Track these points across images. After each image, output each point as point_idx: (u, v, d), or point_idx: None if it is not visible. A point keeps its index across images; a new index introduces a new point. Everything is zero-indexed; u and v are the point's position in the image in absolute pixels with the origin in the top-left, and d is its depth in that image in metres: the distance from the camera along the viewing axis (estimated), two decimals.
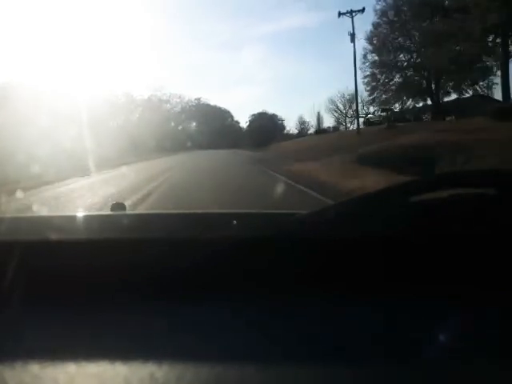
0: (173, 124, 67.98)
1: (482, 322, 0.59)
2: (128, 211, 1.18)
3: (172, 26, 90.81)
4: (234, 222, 0.74)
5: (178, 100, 70.30)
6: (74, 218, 0.85)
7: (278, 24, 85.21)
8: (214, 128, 77.31)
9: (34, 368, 0.52)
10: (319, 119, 68.60)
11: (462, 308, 0.62)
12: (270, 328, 0.60)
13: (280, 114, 79.97)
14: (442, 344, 0.54)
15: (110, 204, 1.13)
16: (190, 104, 75.36)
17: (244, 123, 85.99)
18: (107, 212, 1.18)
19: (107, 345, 0.57)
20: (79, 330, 0.60)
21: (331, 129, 59.34)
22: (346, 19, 27.01)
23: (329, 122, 77.84)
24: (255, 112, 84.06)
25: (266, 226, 0.74)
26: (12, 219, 0.90)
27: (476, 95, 30.35)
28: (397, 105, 32.01)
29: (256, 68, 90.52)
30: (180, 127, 71.29)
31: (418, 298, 0.64)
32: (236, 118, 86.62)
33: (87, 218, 0.87)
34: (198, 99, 76.54)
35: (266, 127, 69.26)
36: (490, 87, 30.64)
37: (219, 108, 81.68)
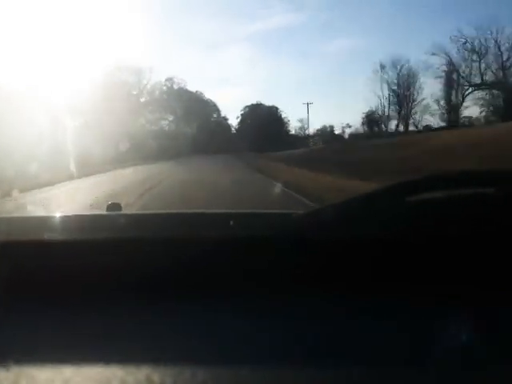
0: (138, 119, 45.78)
1: (482, 322, 0.59)
2: (124, 211, 1.17)
3: (154, 23, 76.16)
4: (231, 222, 0.75)
5: (136, 80, 47.37)
6: (69, 218, 0.87)
7: (263, 24, 74.74)
8: (193, 125, 55.57)
9: (30, 370, 0.52)
10: (451, 100, 36.15)
11: (462, 308, 0.62)
12: (269, 328, 0.60)
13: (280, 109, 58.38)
14: (442, 344, 0.54)
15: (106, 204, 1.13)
16: (161, 89, 52.89)
17: (234, 119, 64.61)
18: (103, 212, 1.15)
19: (104, 346, 0.57)
20: (75, 331, 0.60)
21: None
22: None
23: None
24: (248, 103, 63.61)
25: (262, 225, 0.75)
26: (6, 219, 0.91)
27: None
28: None
29: (243, 68, 78.89)
30: (147, 125, 49.20)
31: (417, 298, 0.64)
32: (224, 114, 65.65)
33: (83, 218, 0.89)
34: (171, 80, 54.79)
35: (267, 123, 48.20)
36: None
37: (201, 96, 60.34)
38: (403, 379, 0.49)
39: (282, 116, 57.16)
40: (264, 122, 48.38)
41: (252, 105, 62.48)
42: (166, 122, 55.48)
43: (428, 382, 0.49)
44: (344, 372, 0.50)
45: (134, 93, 44.28)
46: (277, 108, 57.45)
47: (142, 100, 46.71)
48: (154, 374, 0.50)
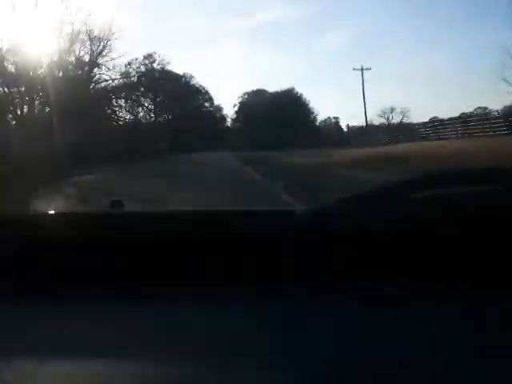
0: (107, 110, 34.31)
1: (483, 321, 0.59)
2: (127, 209, 1.15)
3: (145, 20, 67.35)
4: (235, 219, 0.76)
5: (94, 51, 31.41)
6: (71, 215, 0.88)
7: (255, 19, 68.46)
8: (179, 115, 43.99)
9: (32, 365, 0.53)
10: None
11: (463, 307, 0.63)
12: (271, 325, 0.61)
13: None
14: (442, 343, 0.54)
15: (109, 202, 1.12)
16: (138, 69, 40.97)
17: (230, 110, 53.17)
18: (106, 210, 1.13)
19: (107, 343, 0.58)
20: (78, 328, 0.61)
21: None
22: None
23: None
24: (248, 90, 52.30)
25: (266, 223, 0.76)
26: (12, 216, 0.93)
27: None
28: None
29: (239, 62, 70.96)
30: (120, 112, 37.71)
31: (419, 295, 0.65)
32: (217, 103, 54.26)
33: (85, 216, 0.89)
34: (151, 57, 42.08)
35: (282, 112, 36.47)
36: None
37: (189, 80, 48.41)
38: (403, 379, 0.49)
39: (304, 101, 43.80)
40: (275, 111, 36.73)
41: (253, 91, 51.19)
42: (144, 111, 43.74)
43: (427, 381, 0.49)
44: (344, 372, 0.50)
45: (96, 71, 31.44)
46: (293, 89, 43.59)
47: (105, 82, 34.13)
48: (159, 369, 0.50)
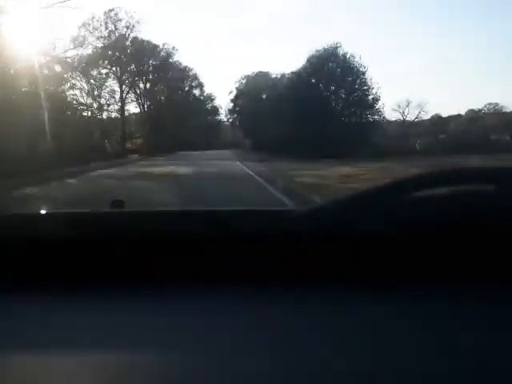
0: (56, 91, 22.40)
1: (483, 321, 0.59)
2: (128, 209, 1.16)
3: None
4: (234, 219, 0.78)
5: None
6: (71, 215, 0.88)
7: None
8: (156, 102, 32.52)
9: (33, 364, 0.53)
10: None
11: (463, 307, 0.63)
12: (270, 327, 0.61)
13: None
14: (440, 344, 0.55)
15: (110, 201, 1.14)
16: (98, 31, 28.94)
17: (224, 101, 42.07)
18: (106, 209, 1.11)
19: (107, 342, 0.58)
20: (78, 327, 0.62)
21: None
22: None
23: None
24: (248, 73, 41.19)
25: (265, 222, 0.77)
26: (12, 216, 0.93)
27: None
28: None
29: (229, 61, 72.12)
30: (81, 98, 26.06)
31: (418, 296, 0.65)
32: (208, 91, 43.01)
33: (86, 215, 0.90)
34: (114, 15, 29.91)
35: (307, 98, 24.75)
36: None
37: (170, 55, 36.46)
38: (403, 377, 0.49)
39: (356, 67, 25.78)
40: (297, 91, 25.10)
41: (255, 74, 39.95)
42: (109, 95, 31.80)
43: (426, 381, 0.49)
44: (344, 373, 0.50)
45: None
46: (338, 48, 25.68)
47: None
48: (158, 367, 0.51)
